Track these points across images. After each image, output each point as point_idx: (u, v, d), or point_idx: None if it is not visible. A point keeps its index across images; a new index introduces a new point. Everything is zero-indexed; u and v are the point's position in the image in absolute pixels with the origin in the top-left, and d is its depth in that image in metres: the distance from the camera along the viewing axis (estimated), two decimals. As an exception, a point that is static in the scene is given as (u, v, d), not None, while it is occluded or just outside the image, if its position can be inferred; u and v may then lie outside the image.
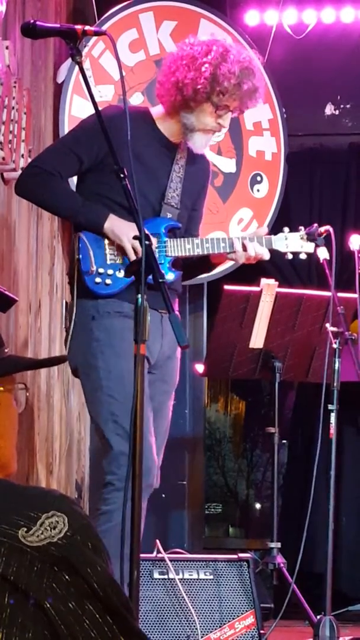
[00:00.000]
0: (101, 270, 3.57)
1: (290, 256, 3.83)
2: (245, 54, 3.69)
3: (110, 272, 3.57)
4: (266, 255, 3.73)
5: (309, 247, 3.84)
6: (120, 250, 3.55)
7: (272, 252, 3.76)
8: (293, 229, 3.83)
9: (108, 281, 3.56)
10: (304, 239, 3.83)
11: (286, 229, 3.84)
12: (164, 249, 3.63)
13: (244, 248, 3.66)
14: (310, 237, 3.83)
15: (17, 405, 1.74)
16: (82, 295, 3.59)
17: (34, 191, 3.61)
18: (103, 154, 3.54)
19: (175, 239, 3.65)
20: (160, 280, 2.72)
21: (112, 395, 3.50)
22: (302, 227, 3.85)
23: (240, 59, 3.62)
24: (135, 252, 3.49)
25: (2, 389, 1.70)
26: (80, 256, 3.58)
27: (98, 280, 3.57)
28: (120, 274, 3.54)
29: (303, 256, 3.85)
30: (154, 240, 3.59)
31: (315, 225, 3.88)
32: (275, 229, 4.78)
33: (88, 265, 3.57)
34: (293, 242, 3.81)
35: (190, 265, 3.79)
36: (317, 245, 3.85)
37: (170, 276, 3.63)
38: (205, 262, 3.80)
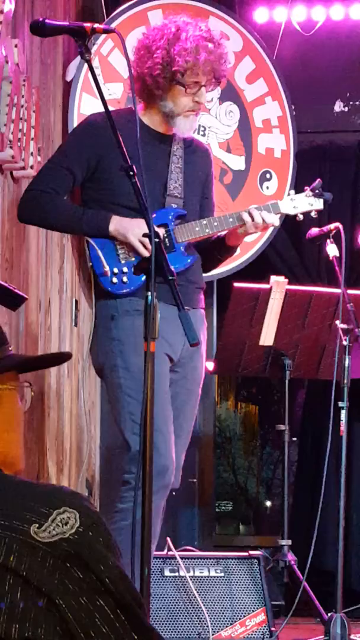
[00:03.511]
0: (116, 270, 3.58)
1: (301, 217, 3.79)
2: (203, 26, 3.67)
3: (125, 270, 3.57)
4: (276, 222, 3.71)
5: (319, 203, 3.79)
6: (131, 247, 3.56)
7: (285, 231, 3.73)
8: (304, 229, 3.81)
9: (125, 279, 3.57)
10: (311, 196, 3.79)
11: (292, 192, 3.82)
12: (174, 236, 3.63)
13: (252, 217, 3.65)
14: (317, 194, 3.79)
15: (22, 403, 1.74)
16: (101, 297, 3.61)
17: (34, 214, 3.63)
18: (94, 163, 3.57)
19: (183, 224, 3.65)
20: (171, 278, 2.72)
21: (130, 394, 3.51)
22: (306, 187, 3.82)
23: (195, 34, 3.60)
24: (144, 246, 3.50)
25: (6, 386, 1.69)
26: (93, 260, 3.60)
27: (115, 280, 3.58)
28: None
29: (314, 214, 3.82)
30: (161, 230, 3.59)
31: (319, 180, 3.84)
32: (285, 224, 4.77)
33: (101, 267, 3.58)
34: (301, 203, 3.78)
35: (208, 252, 3.78)
36: (325, 200, 3.81)
37: (185, 262, 3.64)
38: (221, 245, 3.78)
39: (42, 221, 3.71)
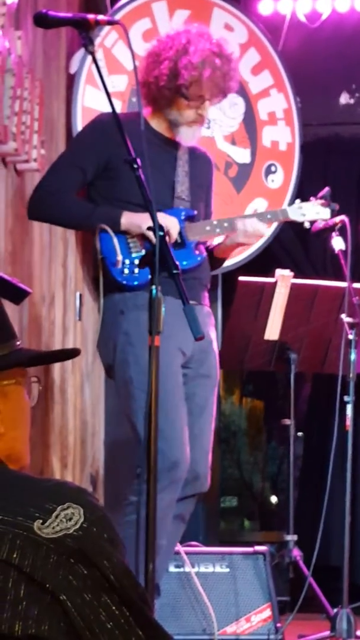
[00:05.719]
0: (127, 261, 3.58)
1: (307, 225, 3.83)
2: (215, 40, 3.66)
3: (136, 262, 3.57)
4: (263, 231, 3.73)
5: (325, 212, 3.83)
6: (141, 240, 3.56)
7: (290, 225, 3.77)
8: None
9: (136, 271, 3.57)
10: (318, 205, 3.83)
11: (298, 200, 3.85)
12: (185, 234, 3.64)
13: (261, 221, 3.71)
14: (325, 203, 3.83)
15: (30, 398, 1.72)
16: (110, 291, 3.59)
17: (44, 211, 3.65)
18: (104, 161, 3.58)
19: (194, 222, 3.66)
20: (175, 272, 2.70)
21: (142, 388, 3.50)
22: (312, 197, 3.85)
23: (205, 47, 3.59)
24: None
25: (14, 381, 1.68)
26: (104, 251, 3.58)
27: (126, 271, 3.58)
28: None
29: (320, 223, 3.85)
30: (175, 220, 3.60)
31: (327, 188, 3.86)
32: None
33: (114, 256, 3.57)
34: (308, 211, 3.82)
35: None
36: (332, 211, 3.84)
37: (196, 259, 3.65)
38: (209, 257, 3.80)
39: (52, 220, 3.76)
